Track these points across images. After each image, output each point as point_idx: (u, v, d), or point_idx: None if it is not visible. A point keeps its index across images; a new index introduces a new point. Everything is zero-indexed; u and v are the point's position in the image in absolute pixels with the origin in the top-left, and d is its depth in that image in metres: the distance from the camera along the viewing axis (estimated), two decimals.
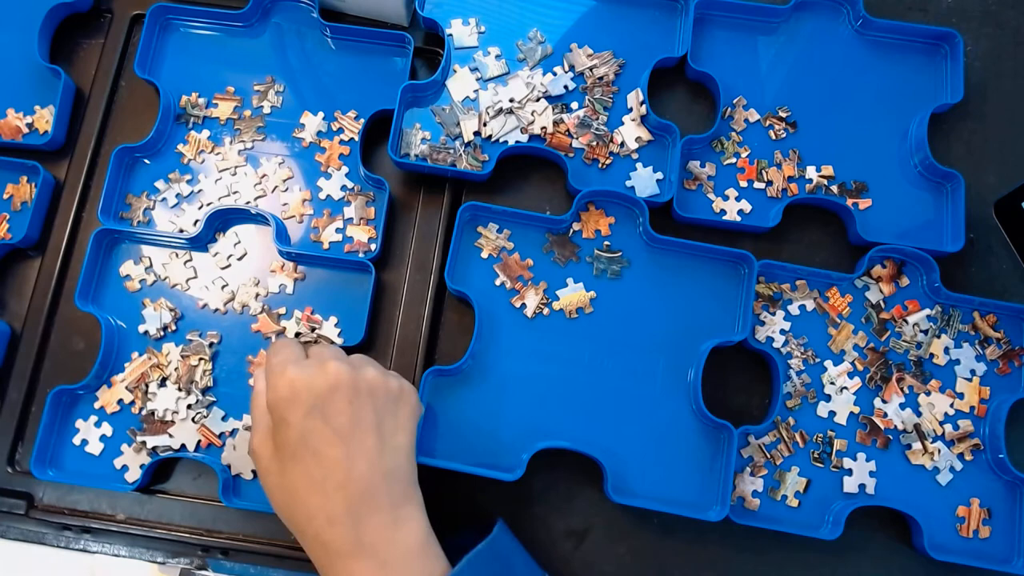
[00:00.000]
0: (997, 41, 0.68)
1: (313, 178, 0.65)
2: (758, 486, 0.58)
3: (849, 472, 0.58)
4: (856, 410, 0.60)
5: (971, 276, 0.63)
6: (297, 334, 0.61)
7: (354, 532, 0.45)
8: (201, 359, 0.61)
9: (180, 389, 0.60)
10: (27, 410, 0.61)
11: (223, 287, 0.63)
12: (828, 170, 0.64)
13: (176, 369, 0.60)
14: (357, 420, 0.46)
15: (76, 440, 0.60)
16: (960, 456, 0.59)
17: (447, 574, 0.45)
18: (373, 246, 0.63)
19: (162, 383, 0.60)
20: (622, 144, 0.65)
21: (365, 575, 0.44)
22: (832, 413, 0.60)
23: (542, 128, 0.64)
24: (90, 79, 0.67)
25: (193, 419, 0.60)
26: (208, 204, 0.64)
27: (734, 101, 0.66)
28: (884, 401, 0.60)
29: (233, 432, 0.59)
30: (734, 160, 0.65)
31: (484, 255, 0.63)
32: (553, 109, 0.65)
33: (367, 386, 0.48)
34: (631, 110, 0.65)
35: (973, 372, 0.60)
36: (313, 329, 0.61)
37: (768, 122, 0.66)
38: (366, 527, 0.45)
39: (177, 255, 0.64)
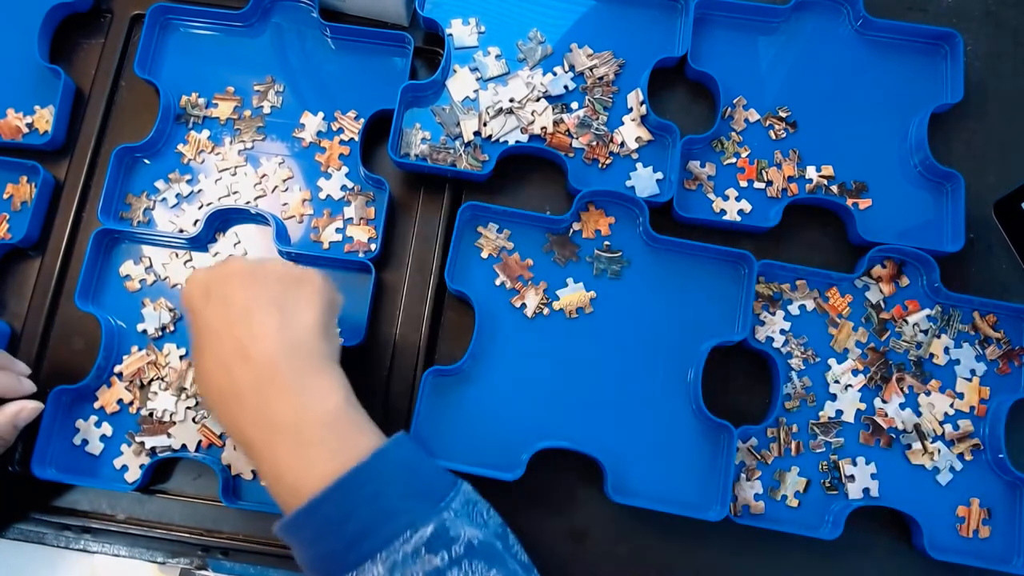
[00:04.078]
0: (997, 41, 0.68)
1: (313, 178, 0.65)
2: (758, 488, 0.58)
3: (852, 478, 0.58)
4: (863, 407, 0.60)
5: (971, 276, 0.63)
6: None
7: (264, 409, 0.45)
8: (191, 365, 0.61)
9: (172, 393, 0.60)
10: None
11: None
12: (828, 170, 0.64)
13: (167, 374, 0.60)
14: (255, 299, 0.47)
15: (76, 440, 0.60)
16: (960, 456, 0.59)
17: (377, 447, 0.44)
18: (373, 246, 0.63)
19: (157, 385, 0.60)
20: (622, 144, 0.65)
21: (282, 450, 0.44)
22: (839, 412, 0.60)
23: (542, 128, 0.64)
24: (90, 79, 0.67)
25: (194, 419, 0.60)
26: (208, 204, 0.64)
27: (734, 101, 0.66)
28: (884, 401, 0.60)
29: None
30: (734, 160, 0.65)
31: (484, 255, 0.63)
32: (553, 109, 0.65)
33: (266, 271, 0.49)
34: (631, 110, 0.65)
35: (973, 372, 0.60)
36: None
37: (768, 122, 0.66)
38: (274, 402, 0.45)
39: (177, 255, 0.64)
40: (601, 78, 0.66)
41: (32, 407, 0.54)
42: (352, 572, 0.41)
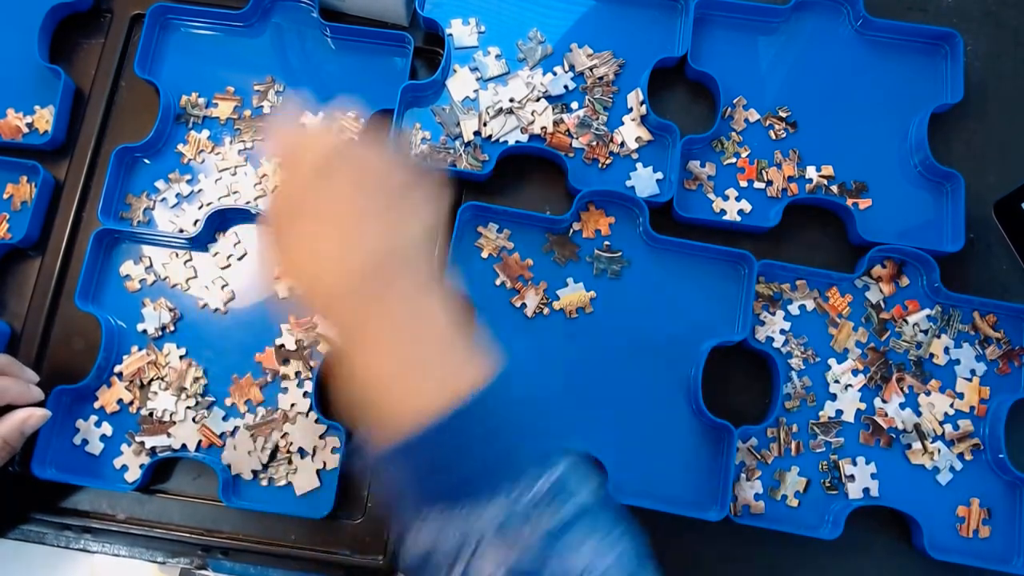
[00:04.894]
0: (997, 41, 0.68)
1: None
2: (758, 488, 0.58)
3: (852, 478, 0.58)
4: (863, 406, 0.60)
5: (971, 276, 0.63)
6: (298, 341, 0.61)
7: (373, 296, 0.41)
8: (191, 365, 0.61)
9: (172, 393, 0.60)
10: None
11: (223, 287, 0.63)
12: (828, 170, 0.64)
13: (167, 374, 0.60)
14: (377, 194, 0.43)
15: (76, 440, 0.60)
16: (960, 456, 0.59)
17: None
18: None
19: (157, 385, 0.60)
20: (622, 144, 0.65)
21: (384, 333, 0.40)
22: (839, 412, 0.60)
23: (542, 128, 0.64)
24: (90, 79, 0.67)
25: (194, 419, 0.60)
26: (208, 204, 0.64)
27: (734, 101, 0.66)
28: (884, 401, 0.60)
29: (234, 432, 0.59)
30: (734, 160, 0.65)
31: (484, 255, 0.63)
32: (553, 109, 0.65)
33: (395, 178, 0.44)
34: (631, 110, 0.65)
35: (973, 372, 0.60)
36: (312, 329, 0.61)
37: (768, 122, 0.66)
38: (387, 293, 0.41)
39: (177, 255, 0.64)
40: (601, 78, 0.66)
41: (40, 415, 0.54)
42: (465, 506, 0.38)
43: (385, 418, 0.40)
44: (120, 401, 0.60)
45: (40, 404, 0.56)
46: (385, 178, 0.44)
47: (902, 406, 0.60)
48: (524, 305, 0.62)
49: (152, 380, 0.60)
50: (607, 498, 0.41)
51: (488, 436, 0.39)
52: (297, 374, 0.60)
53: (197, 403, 0.60)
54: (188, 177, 0.65)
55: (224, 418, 0.60)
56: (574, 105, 0.65)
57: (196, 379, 0.60)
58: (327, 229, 0.42)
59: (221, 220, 0.64)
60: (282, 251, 0.44)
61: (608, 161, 0.64)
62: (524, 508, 0.38)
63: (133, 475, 0.59)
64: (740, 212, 0.63)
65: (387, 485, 0.41)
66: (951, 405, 0.60)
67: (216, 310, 0.62)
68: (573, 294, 0.62)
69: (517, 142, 0.64)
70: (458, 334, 0.42)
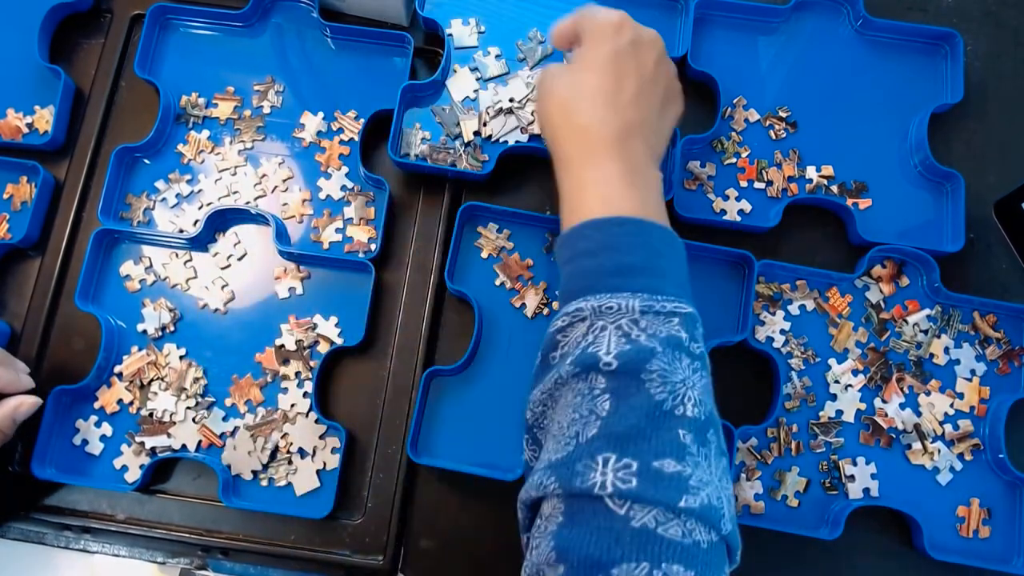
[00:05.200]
0: (997, 41, 0.68)
1: (313, 178, 0.65)
2: (758, 488, 0.58)
3: (852, 478, 0.58)
4: (863, 407, 0.60)
5: (971, 276, 0.63)
6: (298, 341, 0.61)
7: (618, 144, 0.51)
8: (191, 365, 0.61)
9: (172, 393, 0.60)
10: None
11: (223, 287, 0.63)
12: (828, 170, 0.64)
13: (167, 374, 0.60)
14: (655, 80, 0.55)
15: (76, 440, 0.60)
16: (960, 456, 0.59)
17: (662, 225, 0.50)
18: (373, 246, 0.63)
19: (157, 385, 0.60)
20: None
21: (613, 169, 0.50)
22: (839, 412, 0.60)
23: None
24: (90, 79, 0.67)
25: (194, 419, 0.60)
26: (208, 204, 0.64)
27: (734, 101, 0.66)
28: (884, 401, 0.60)
29: (234, 432, 0.59)
30: (734, 160, 0.65)
31: (484, 255, 0.63)
32: None
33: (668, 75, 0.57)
34: None
35: (973, 372, 0.60)
36: (313, 328, 0.61)
37: (768, 122, 0.66)
38: (628, 144, 0.51)
39: (177, 255, 0.64)
40: None
41: (31, 402, 0.55)
42: (610, 293, 0.45)
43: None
44: (120, 401, 0.60)
45: (32, 392, 0.56)
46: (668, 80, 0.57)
47: (902, 406, 0.60)
48: (524, 305, 0.62)
49: (152, 380, 0.60)
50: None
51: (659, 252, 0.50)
52: (297, 374, 0.61)
53: (197, 403, 0.60)
54: (188, 177, 0.65)
55: (224, 418, 0.60)
56: None
57: (196, 379, 0.60)
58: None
59: (221, 220, 0.64)
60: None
61: None
62: (664, 311, 0.45)
63: (133, 475, 0.59)
64: (740, 212, 0.63)
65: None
66: (951, 405, 0.60)
67: (216, 310, 0.62)
68: None
69: (517, 142, 0.64)
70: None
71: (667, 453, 0.40)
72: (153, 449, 0.59)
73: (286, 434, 0.59)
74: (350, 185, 0.65)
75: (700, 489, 0.40)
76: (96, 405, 0.60)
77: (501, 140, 0.64)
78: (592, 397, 0.42)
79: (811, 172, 0.64)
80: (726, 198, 0.64)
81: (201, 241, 0.63)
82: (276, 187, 0.65)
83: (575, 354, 0.44)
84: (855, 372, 0.60)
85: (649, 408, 0.41)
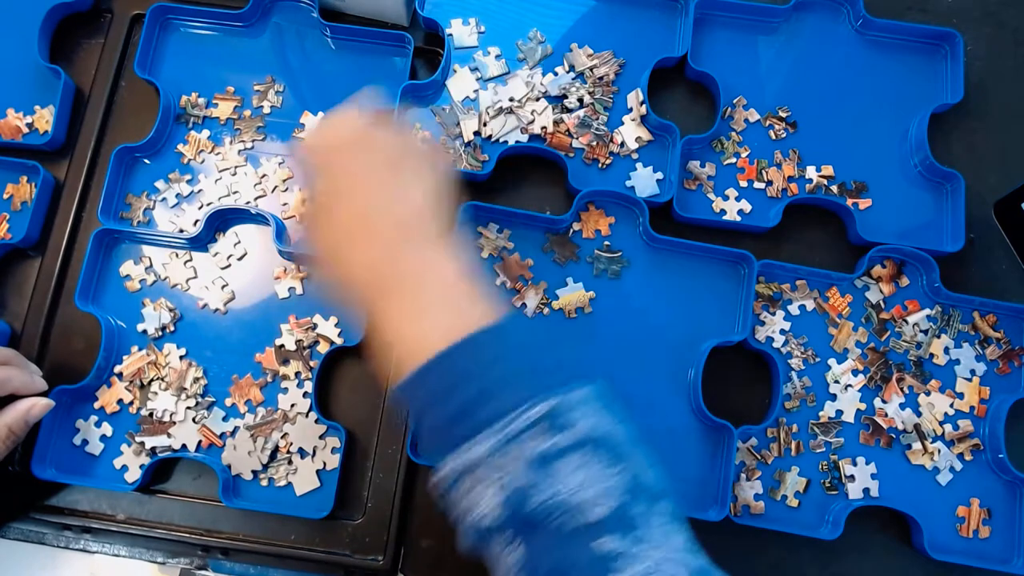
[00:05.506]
0: (997, 41, 0.68)
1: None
2: (758, 488, 0.58)
3: (852, 478, 0.58)
4: (863, 407, 0.60)
5: (971, 276, 0.63)
6: (298, 341, 0.61)
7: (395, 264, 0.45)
8: (191, 365, 0.61)
9: (172, 393, 0.60)
10: None
11: (223, 287, 0.63)
12: (828, 170, 0.64)
13: (167, 374, 0.60)
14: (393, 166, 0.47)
15: (76, 440, 0.60)
16: (960, 456, 0.59)
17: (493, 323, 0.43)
18: None
19: (157, 385, 0.60)
20: (622, 144, 0.65)
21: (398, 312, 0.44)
22: (839, 412, 0.60)
23: (542, 128, 0.64)
24: (90, 79, 0.67)
25: (194, 419, 0.60)
26: (208, 204, 0.64)
27: (734, 101, 0.66)
28: (884, 401, 0.60)
29: (234, 432, 0.59)
30: (734, 160, 0.65)
31: (484, 255, 0.63)
32: (553, 109, 0.65)
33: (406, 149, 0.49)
34: (631, 110, 0.65)
35: (973, 372, 0.60)
36: (313, 328, 0.61)
37: (768, 122, 0.66)
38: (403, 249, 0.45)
39: (177, 255, 0.64)
40: (601, 78, 0.66)
41: (44, 403, 0.55)
42: (466, 443, 0.40)
43: (404, 355, 0.43)
44: (120, 401, 0.60)
45: (44, 394, 0.56)
46: (391, 153, 0.48)
47: (902, 406, 0.60)
48: (524, 305, 0.62)
49: (152, 380, 0.60)
50: (625, 436, 0.41)
51: (489, 365, 0.42)
52: (297, 374, 0.61)
53: (197, 403, 0.60)
54: (188, 177, 0.65)
55: (224, 418, 0.60)
56: (573, 103, 0.65)
57: (196, 379, 0.60)
58: (349, 204, 0.46)
59: (221, 220, 0.64)
60: (320, 231, 0.48)
61: (608, 161, 0.64)
62: (516, 431, 0.39)
63: (133, 475, 0.59)
64: (740, 212, 0.63)
65: (408, 408, 0.44)
66: (951, 405, 0.60)
67: (216, 310, 0.62)
68: (573, 294, 0.62)
69: (517, 142, 0.64)
70: (466, 282, 0.45)
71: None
72: (153, 449, 0.59)
73: (286, 434, 0.59)
74: None
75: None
76: (96, 405, 0.60)
77: (501, 140, 0.64)
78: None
79: (811, 172, 0.64)
80: (726, 198, 0.64)
81: (201, 241, 0.63)
82: (276, 187, 0.65)
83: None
84: (855, 372, 0.61)
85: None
